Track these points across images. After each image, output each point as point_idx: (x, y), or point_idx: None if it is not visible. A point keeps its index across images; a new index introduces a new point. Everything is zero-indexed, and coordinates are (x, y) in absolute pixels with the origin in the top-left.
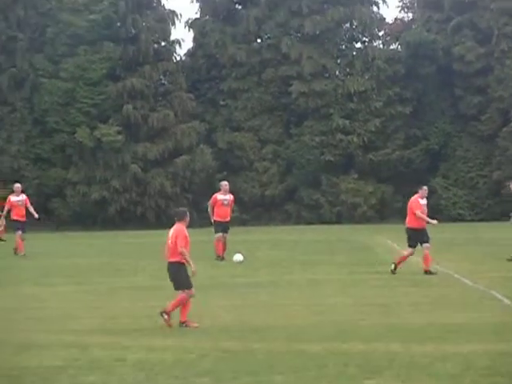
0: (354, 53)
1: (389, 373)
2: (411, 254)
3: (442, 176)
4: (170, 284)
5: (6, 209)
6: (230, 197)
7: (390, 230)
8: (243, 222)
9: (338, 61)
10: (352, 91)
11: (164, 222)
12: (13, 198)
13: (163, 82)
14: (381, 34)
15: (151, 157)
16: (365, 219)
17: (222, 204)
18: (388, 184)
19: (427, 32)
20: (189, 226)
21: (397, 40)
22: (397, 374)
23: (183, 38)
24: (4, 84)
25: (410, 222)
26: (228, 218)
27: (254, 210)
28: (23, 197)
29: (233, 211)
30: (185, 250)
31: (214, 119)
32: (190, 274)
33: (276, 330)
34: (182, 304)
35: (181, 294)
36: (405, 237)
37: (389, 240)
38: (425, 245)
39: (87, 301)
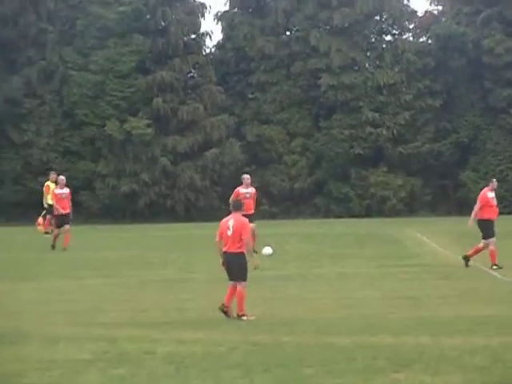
0: (384, 45)
1: (418, 366)
2: (490, 245)
3: (472, 169)
4: (199, 277)
5: (49, 200)
6: (252, 190)
7: (420, 223)
8: (272, 216)
9: (368, 53)
10: (382, 84)
11: (193, 215)
12: (57, 191)
13: (193, 74)
14: (411, 26)
15: (181, 150)
16: (394, 212)
17: (245, 197)
18: (417, 177)
19: (457, 25)
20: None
21: (427, 33)
22: (426, 367)
23: (212, 30)
24: (33, 77)
25: (482, 214)
26: (251, 211)
27: (282, 204)
28: (67, 190)
29: (257, 205)
30: (251, 241)
31: (242, 112)
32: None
33: (305, 323)
34: (241, 296)
35: (239, 288)
36: (434, 229)
37: (418, 233)
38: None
39: (116, 294)
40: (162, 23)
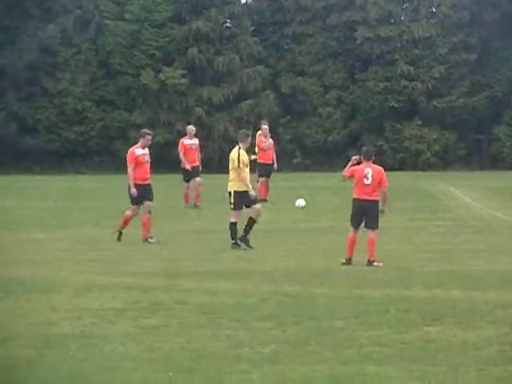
0: None
1: (450, 320)
2: None
3: (506, 124)
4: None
5: (181, 155)
6: (196, 141)
7: (453, 177)
8: (305, 168)
9: (404, 6)
10: (417, 37)
11: (227, 166)
12: (186, 141)
13: (229, 25)
14: None
15: (216, 101)
16: (428, 166)
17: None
18: (452, 131)
19: None
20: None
21: None
22: (458, 321)
23: None
24: (69, 25)
25: None
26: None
27: (316, 156)
28: (196, 140)
29: (290, 157)
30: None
31: (277, 64)
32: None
33: (337, 276)
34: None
35: (372, 235)
36: (467, 184)
37: (452, 187)
38: None
39: (149, 243)
40: None
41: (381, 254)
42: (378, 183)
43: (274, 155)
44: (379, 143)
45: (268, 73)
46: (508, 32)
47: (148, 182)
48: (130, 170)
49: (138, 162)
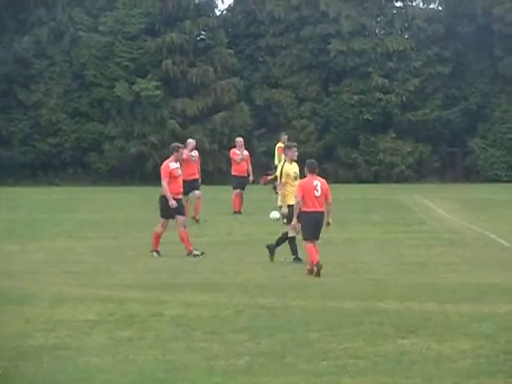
0: (394, 12)
1: (424, 332)
2: None
3: (481, 136)
4: (206, 240)
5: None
6: (245, 153)
7: (428, 189)
8: None
9: (378, 19)
10: (391, 50)
11: (202, 178)
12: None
13: (203, 37)
14: None
15: (190, 113)
16: (402, 178)
17: (236, 160)
18: (426, 144)
19: None
20: (227, 183)
21: None
22: (432, 334)
23: None
24: (44, 37)
25: None
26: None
27: None
28: (196, 153)
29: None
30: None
31: (252, 76)
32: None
33: (312, 288)
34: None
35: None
36: (441, 196)
37: (426, 199)
38: None
39: (124, 255)
40: None
41: (355, 266)
42: (324, 195)
43: (250, 167)
44: (354, 156)
45: (242, 85)
46: (482, 45)
47: (180, 196)
48: (164, 183)
49: (171, 176)
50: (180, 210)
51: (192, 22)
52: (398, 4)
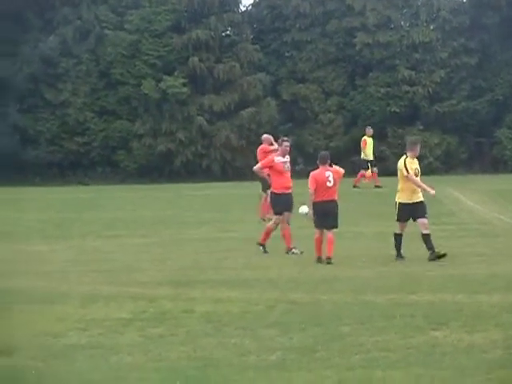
0: (419, 3)
1: (455, 323)
2: None
3: (507, 127)
4: (235, 236)
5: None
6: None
7: (456, 181)
8: (308, 174)
9: (403, 11)
10: (417, 42)
11: (229, 174)
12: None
13: (229, 33)
14: None
15: (217, 109)
16: (430, 170)
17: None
18: (453, 135)
19: None
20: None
21: None
22: (463, 325)
23: None
24: (69, 36)
25: None
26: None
27: None
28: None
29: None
30: None
31: (278, 71)
32: None
33: (343, 282)
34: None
35: (330, 235)
36: (470, 187)
37: (455, 191)
38: None
39: (153, 253)
40: None
41: (386, 259)
42: (337, 184)
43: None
44: (382, 148)
45: (269, 80)
46: (508, 36)
47: (290, 190)
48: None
49: (277, 170)
50: (289, 205)
51: (217, 17)
52: None
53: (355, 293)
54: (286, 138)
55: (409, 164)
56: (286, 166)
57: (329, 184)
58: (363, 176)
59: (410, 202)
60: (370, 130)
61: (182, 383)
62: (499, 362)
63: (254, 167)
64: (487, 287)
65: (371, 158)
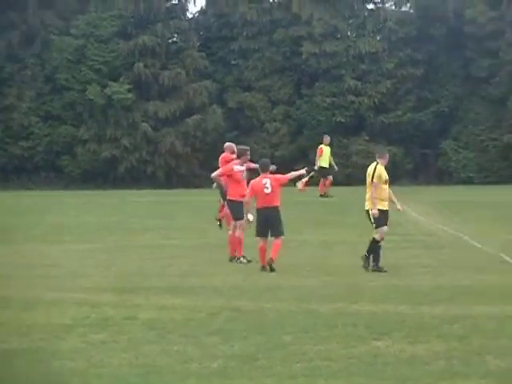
0: (366, 14)
1: (398, 334)
2: None
3: (453, 138)
4: (179, 243)
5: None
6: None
7: (401, 191)
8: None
9: (350, 22)
10: (363, 52)
11: (174, 181)
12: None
13: (175, 40)
14: None
15: (162, 115)
16: None
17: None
18: (399, 146)
19: None
20: (200, 186)
21: (408, 1)
22: (406, 336)
23: None
24: (15, 40)
25: None
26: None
27: None
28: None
29: None
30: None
31: (224, 79)
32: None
33: (286, 290)
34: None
35: (277, 241)
36: (415, 198)
37: (399, 202)
38: None
39: (98, 259)
40: None
41: (329, 268)
42: (276, 191)
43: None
44: None
45: (215, 88)
46: (454, 47)
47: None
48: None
49: (235, 179)
50: (240, 214)
51: (164, 24)
52: (370, 6)
53: (299, 301)
54: (246, 148)
55: (379, 171)
56: (243, 175)
57: (266, 191)
58: (324, 184)
59: (384, 208)
60: (327, 139)
61: None
62: (441, 374)
63: (212, 174)
64: (430, 298)
65: (327, 166)
